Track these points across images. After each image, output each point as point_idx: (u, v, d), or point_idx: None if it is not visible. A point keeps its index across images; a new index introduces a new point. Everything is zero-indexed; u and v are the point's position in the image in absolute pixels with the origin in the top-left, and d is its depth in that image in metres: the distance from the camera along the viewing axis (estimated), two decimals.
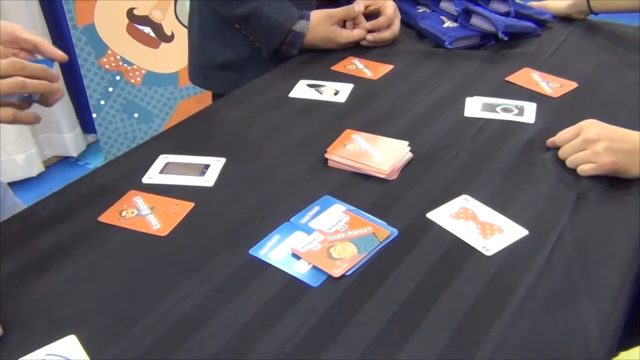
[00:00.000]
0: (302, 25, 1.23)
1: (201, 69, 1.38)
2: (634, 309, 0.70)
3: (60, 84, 0.77)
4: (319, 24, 1.24)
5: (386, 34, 1.30)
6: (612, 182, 0.83)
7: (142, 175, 0.87)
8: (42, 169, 2.39)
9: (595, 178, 0.84)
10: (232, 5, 1.22)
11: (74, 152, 2.47)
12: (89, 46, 2.12)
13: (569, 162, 0.86)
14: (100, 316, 0.64)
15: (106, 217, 0.79)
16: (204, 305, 0.65)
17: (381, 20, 1.29)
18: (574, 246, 0.72)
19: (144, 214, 0.79)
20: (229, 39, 1.29)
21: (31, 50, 0.78)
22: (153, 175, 0.88)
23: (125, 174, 0.89)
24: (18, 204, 1.03)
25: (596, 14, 1.37)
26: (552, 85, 1.11)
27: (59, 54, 0.78)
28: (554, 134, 0.91)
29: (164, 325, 0.63)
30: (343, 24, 1.29)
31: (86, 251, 0.74)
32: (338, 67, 1.21)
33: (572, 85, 1.11)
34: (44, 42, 0.78)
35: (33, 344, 0.60)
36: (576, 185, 0.83)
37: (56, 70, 0.77)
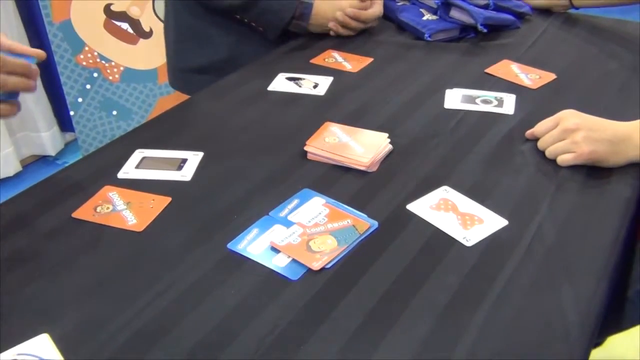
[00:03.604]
0: None
1: (179, 73, 1.36)
2: (614, 296, 0.70)
3: (37, 82, 0.76)
4: None
5: (368, 13, 1.27)
6: (591, 171, 0.83)
7: (118, 170, 0.86)
8: (19, 168, 2.35)
9: (574, 168, 0.84)
10: None
11: (51, 151, 2.43)
12: (66, 43, 2.08)
13: (549, 153, 0.86)
14: (74, 314, 0.63)
15: (80, 213, 0.78)
16: (181, 301, 0.64)
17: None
18: (553, 236, 0.72)
19: (120, 210, 0.78)
20: (206, 41, 1.27)
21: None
22: (129, 170, 0.86)
23: (101, 169, 0.87)
24: None
25: (577, 8, 1.37)
26: (531, 77, 1.11)
27: (38, 51, 0.77)
28: (533, 125, 0.91)
29: (139, 322, 0.62)
30: None
31: (60, 248, 0.72)
32: (317, 60, 1.20)
33: (550, 76, 1.11)
34: (21, 45, 0.76)
35: (4, 344, 0.59)
36: (555, 175, 0.83)
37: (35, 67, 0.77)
